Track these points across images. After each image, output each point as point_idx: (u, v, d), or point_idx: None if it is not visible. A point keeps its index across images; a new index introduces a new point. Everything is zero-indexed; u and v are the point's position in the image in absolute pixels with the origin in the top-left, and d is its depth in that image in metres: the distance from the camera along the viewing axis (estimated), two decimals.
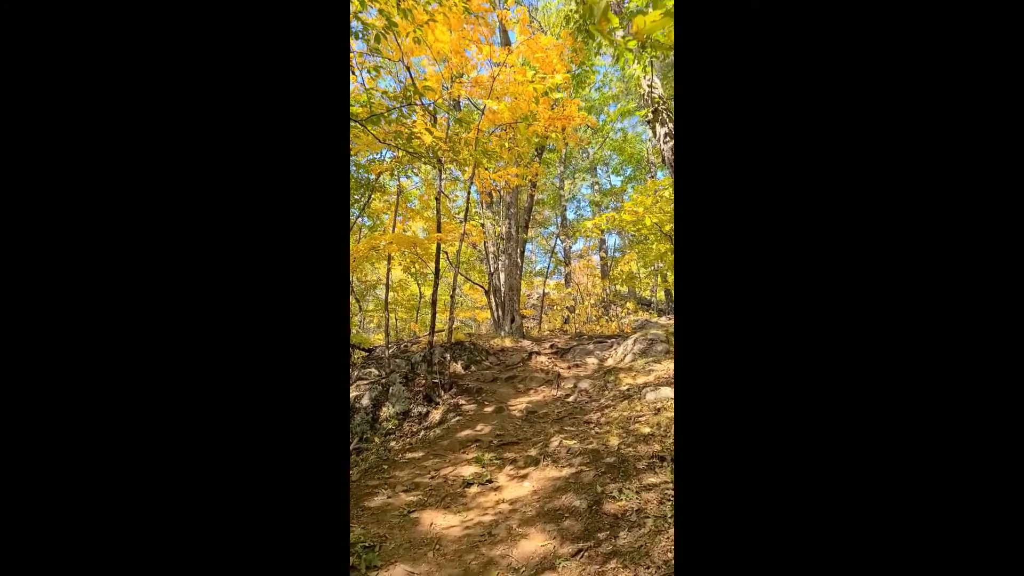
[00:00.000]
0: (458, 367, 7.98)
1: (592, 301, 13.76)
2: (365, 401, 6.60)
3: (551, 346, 9.41)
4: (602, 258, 17.25)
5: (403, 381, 7.04)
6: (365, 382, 6.99)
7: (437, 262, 6.74)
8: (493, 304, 12.33)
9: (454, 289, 7.31)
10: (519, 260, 11.03)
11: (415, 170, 8.88)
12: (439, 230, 6.77)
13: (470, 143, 8.58)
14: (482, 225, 12.05)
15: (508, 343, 9.92)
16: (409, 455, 4.88)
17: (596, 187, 18.51)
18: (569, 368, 7.81)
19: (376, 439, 6.17)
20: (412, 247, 6.71)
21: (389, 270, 7.72)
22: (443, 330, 9.06)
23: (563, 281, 16.59)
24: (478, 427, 5.51)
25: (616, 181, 19.07)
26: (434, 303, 6.99)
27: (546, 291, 14.87)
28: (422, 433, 5.78)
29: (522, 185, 12.52)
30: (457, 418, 5.96)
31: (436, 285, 6.75)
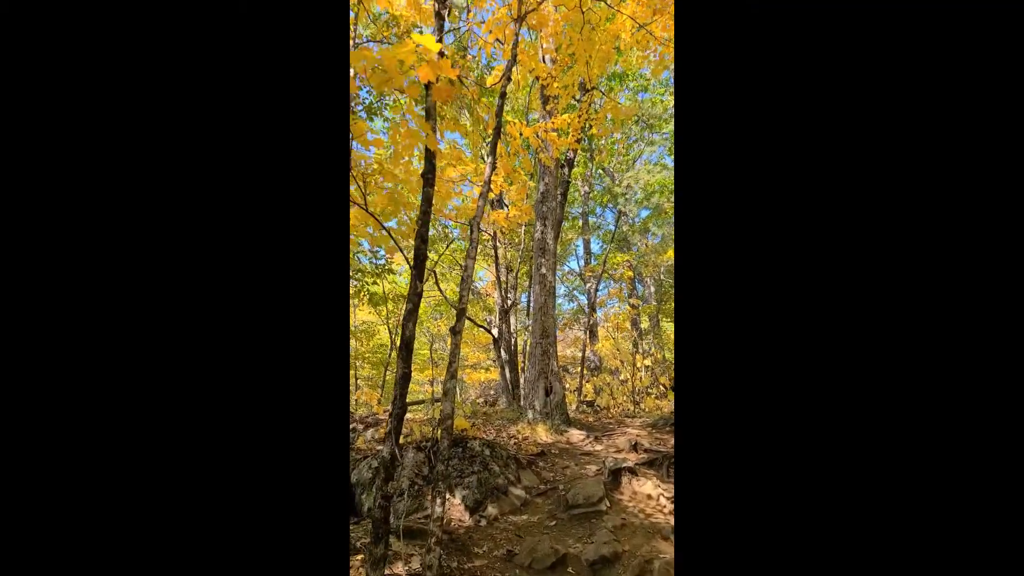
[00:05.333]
0: (458, 506, 3.32)
1: (643, 365, 9.33)
2: None
3: (633, 445, 4.81)
4: (632, 307, 12.93)
5: None
6: None
7: (422, 229, 2.32)
8: (504, 362, 7.72)
9: (457, 335, 2.74)
10: (554, 287, 6.63)
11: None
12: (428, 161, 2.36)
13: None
14: (493, 251, 7.72)
15: (544, 436, 5.26)
16: None
17: (623, 217, 14.57)
18: None
19: None
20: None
21: None
22: (420, 402, 4.42)
23: (587, 336, 12.10)
24: None
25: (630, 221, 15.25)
26: (407, 346, 2.42)
27: (589, 350, 10.29)
28: None
29: (567, 150, 8.29)
30: None
31: (416, 297, 2.25)
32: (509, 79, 3.54)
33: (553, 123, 5.15)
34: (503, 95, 3.46)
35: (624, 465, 3.75)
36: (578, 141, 7.22)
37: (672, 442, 4.98)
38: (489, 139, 3.57)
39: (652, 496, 3.48)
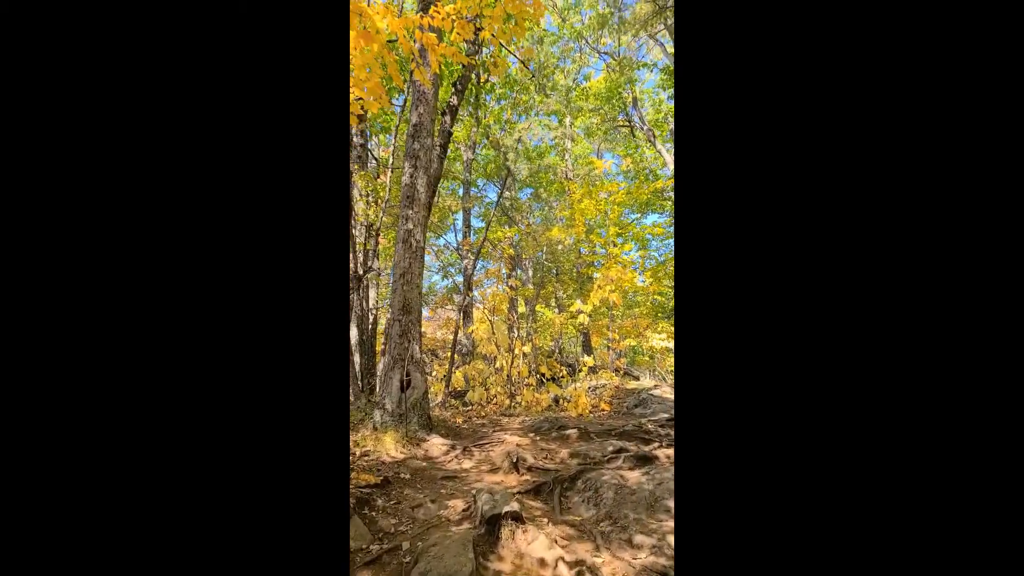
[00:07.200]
0: None
1: (522, 351, 8.24)
2: None
3: (514, 461, 3.57)
4: (512, 289, 11.93)
5: None
6: None
7: None
8: (354, 345, 6.03)
9: None
10: (423, 248, 5.07)
11: None
12: None
13: None
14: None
15: (394, 448, 3.79)
16: None
17: (509, 192, 13.43)
18: None
19: None
20: None
21: None
22: None
23: (460, 317, 10.72)
24: None
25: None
26: None
27: (462, 333, 8.82)
28: None
29: (454, 80, 6.63)
30: None
31: None
32: None
33: (433, 16, 3.61)
34: None
35: (506, 509, 2.46)
36: (471, 48, 5.77)
37: (563, 454, 3.85)
38: None
39: (547, 562, 2.23)
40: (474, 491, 2.89)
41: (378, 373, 6.67)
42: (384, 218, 7.75)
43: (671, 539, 2.54)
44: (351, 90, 2.31)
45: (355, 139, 7.42)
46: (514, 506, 2.51)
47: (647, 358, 14.04)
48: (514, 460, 3.58)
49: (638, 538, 2.57)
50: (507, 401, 6.86)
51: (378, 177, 7.69)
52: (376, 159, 9.09)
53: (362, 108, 2.44)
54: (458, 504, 2.88)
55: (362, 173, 6.67)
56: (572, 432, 4.45)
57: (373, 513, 2.68)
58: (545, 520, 2.68)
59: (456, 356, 10.17)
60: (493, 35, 4.20)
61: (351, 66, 2.40)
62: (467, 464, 3.73)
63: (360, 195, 6.84)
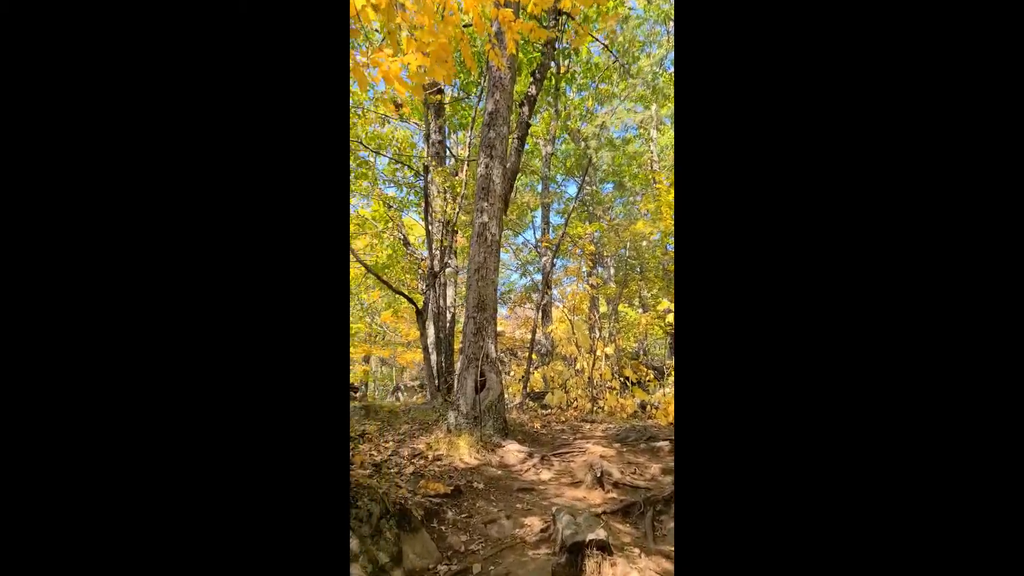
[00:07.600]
0: None
1: (604, 353, 7.79)
2: None
3: (598, 475, 3.19)
4: (593, 287, 11.42)
5: None
6: None
7: None
8: (431, 343, 5.95)
9: None
10: (499, 242, 4.83)
11: None
12: None
13: None
14: (424, 171, 5.88)
15: (467, 454, 3.56)
16: None
17: (589, 187, 12.93)
18: None
19: None
20: None
21: None
22: None
23: (539, 316, 10.43)
24: None
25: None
26: None
27: (539, 332, 8.58)
28: None
29: (537, 65, 6.36)
30: None
31: None
32: None
33: None
34: None
35: (590, 536, 2.11)
36: (552, 24, 5.45)
37: (653, 470, 3.42)
38: None
39: None
40: (554, 509, 2.57)
41: (456, 372, 6.57)
42: (461, 216, 7.66)
43: None
44: (415, 57, 2.08)
45: (433, 135, 7.39)
46: (600, 533, 2.15)
47: None
48: (598, 474, 3.21)
49: None
50: (588, 405, 6.46)
51: (456, 174, 7.62)
52: (454, 156, 9.07)
53: (427, 78, 2.20)
54: (535, 522, 2.57)
55: (439, 169, 6.59)
56: (663, 444, 3.98)
57: (443, 527, 2.45)
58: (636, 550, 2.30)
59: (534, 356, 9.90)
60: (574, 5, 3.84)
61: (414, 31, 2.18)
62: (545, 475, 3.41)
63: (437, 191, 6.77)
